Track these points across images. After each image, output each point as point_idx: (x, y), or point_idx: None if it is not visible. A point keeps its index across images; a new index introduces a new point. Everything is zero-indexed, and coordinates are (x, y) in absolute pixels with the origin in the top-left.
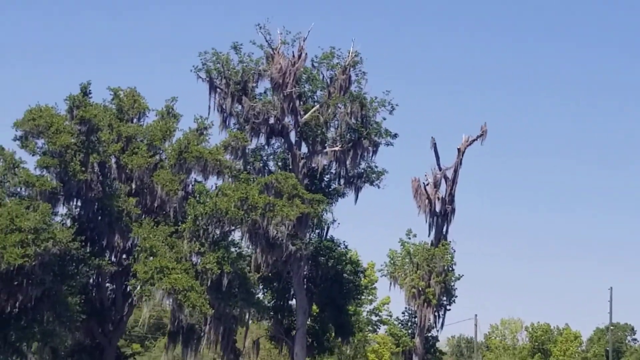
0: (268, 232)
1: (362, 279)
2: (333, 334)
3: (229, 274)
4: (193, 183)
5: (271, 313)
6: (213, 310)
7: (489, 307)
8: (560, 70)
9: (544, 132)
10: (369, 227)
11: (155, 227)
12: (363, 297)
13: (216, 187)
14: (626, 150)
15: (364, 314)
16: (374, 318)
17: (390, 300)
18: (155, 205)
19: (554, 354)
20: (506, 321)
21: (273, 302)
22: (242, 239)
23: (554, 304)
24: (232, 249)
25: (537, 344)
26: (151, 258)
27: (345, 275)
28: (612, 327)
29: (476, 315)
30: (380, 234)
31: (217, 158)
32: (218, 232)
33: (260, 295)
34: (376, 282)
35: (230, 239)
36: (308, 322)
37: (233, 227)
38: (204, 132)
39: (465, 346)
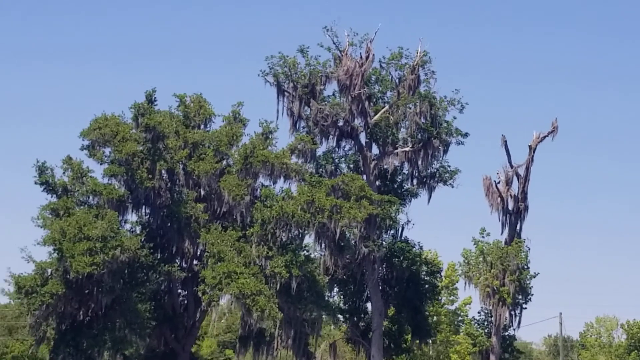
0: (336, 234)
1: (443, 279)
2: (410, 335)
3: (298, 277)
4: (260, 187)
5: (346, 315)
6: (282, 314)
7: (580, 305)
8: (631, 65)
9: (616, 125)
10: (445, 227)
11: (223, 232)
12: (444, 298)
13: (282, 190)
14: None
15: (447, 314)
16: (456, 318)
17: (472, 300)
18: (224, 210)
19: None
20: (601, 319)
21: (349, 304)
22: (314, 243)
23: None
24: (301, 252)
25: (633, 341)
26: (219, 263)
27: (421, 276)
28: None
29: (561, 313)
30: (457, 234)
31: (283, 162)
32: (286, 235)
33: (336, 298)
34: (457, 282)
35: (299, 242)
36: (385, 324)
37: (301, 230)
38: (269, 136)
39: (562, 345)
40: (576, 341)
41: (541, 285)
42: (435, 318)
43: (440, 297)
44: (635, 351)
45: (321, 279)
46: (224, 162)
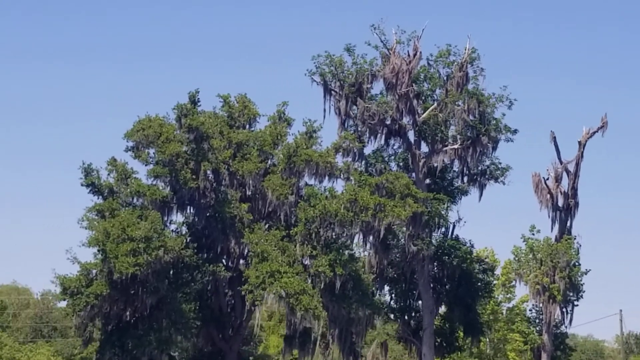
0: (380, 232)
1: (500, 277)
2: (462, 334)
3: (342, 276)
4: (304, 187)
5: (397, 314)
6: (327, 313)
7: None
8: None
9: None
10: (498, 224)
11: (267, 231)
12: (501, 296)
13: (325, 189)
14: None
15: (504, 312)
16: (514, 317)
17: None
18: (269, 210)
19: None
20: None
21: (400, 303)
22: (358, 242)
23: None
24: (345, 251)
25: None
26: (263, 263)
27: (473, 273)
28: None
29: (621, 310)
30: (510, 231)
31: (327, 160)
32: (330, 234)
33: (387, 297)
34: (514, 280)
35: (343, 241)
36: (436, 322)
37: (344, 229)
38: (313, 135)
39: (634, 342)
40: None
41: (603, 283)
42: (492, 316)
43: (497, 295)
44: None
45: (366, 277)
46: (269, 162)
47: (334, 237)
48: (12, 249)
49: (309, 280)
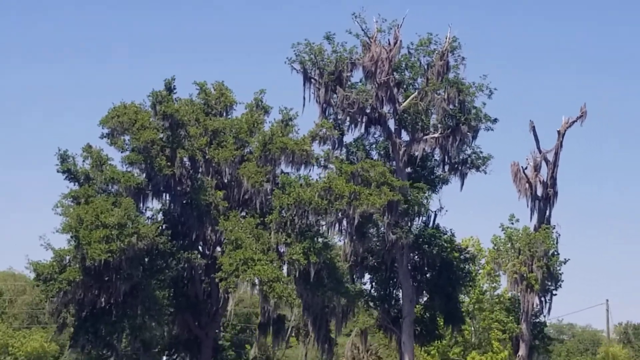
0: (354, 221)
1: (485, 266)
2: (442, 322)
3: (316, 264)
4: (280, 174)
5: (377, 302)
6: (301, 301)
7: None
8: None
9: None
10: (480, 213)
11: (242, 219)
12: (486, 285)
13: (300, 177)
14: None
15: (488, 301)
16: (495, 305)
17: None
18: (245, 197)
19: None
20: None
21: (381, 291)
22: (332, 229)
23: None
24: (319, 239)
25: None
26: (237, 250)
27: (454, 262)
28: None
29: (607, 300)
30: (492, 220)
31: (303, 149)
32: (304, 222)
33: (368, 285)
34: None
35: (316, 228)
36: (417, 311)
37: (319, 217)
38: (289, 123)
39: (632, 333)
40: None
41: (594, 272)
42: (477, 305)
43: (482, 284)
44: None
45: (341, 265)
46: (245, 150)
47: (308, 225)
48: (8, 236)
49: (284, 268)
